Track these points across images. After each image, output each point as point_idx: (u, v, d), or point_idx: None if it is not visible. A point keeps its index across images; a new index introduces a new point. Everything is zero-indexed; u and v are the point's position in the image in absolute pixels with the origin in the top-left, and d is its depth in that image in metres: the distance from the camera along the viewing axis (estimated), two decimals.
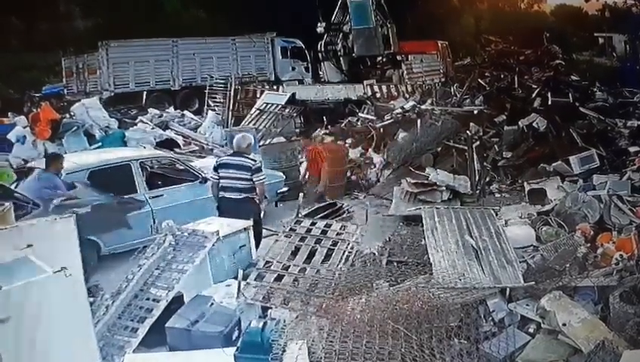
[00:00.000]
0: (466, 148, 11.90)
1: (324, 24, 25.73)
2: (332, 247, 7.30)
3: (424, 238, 7.45)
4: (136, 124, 16.62)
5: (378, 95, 20.83)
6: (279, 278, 6.63)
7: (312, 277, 6.60)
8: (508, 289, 6.36)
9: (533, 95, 14.97)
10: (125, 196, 8.79)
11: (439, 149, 12.73)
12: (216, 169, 8.18)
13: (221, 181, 8.06)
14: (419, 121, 13.82)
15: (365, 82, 22.39)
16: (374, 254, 7.45)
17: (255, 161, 8.13)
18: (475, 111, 14.31)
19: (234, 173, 7.98)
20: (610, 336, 5.35)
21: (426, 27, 32.56)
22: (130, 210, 8.54)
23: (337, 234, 7.66)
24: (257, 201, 8.13)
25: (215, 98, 20.51)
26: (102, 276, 7.63)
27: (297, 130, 17.93)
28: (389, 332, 5.15)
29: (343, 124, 17.26)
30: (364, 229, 8.04)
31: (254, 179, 7.92)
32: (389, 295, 5.88)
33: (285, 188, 10.98)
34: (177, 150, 14.49)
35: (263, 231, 8.66)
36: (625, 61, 24.41)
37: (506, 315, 6.15)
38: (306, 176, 11.63)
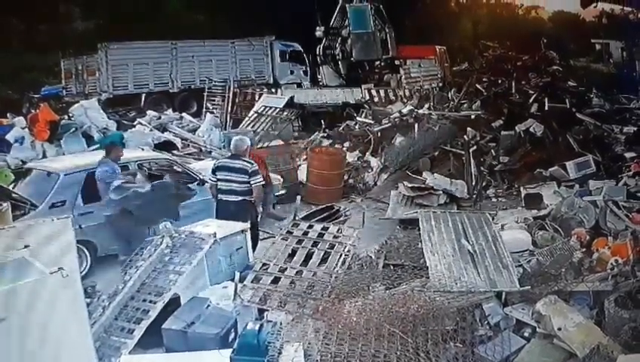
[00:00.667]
0: (463, 152, 11.94)
1: (322, 28, 25.81)
2: (329, 250, 7.32)
3: (421, 242, 7.46)
4: (134, 126, 16.62)
5: (376, 99, 20.84)
6: (276, 281, 6.65)
7: (308, 280, 6.61)
8: (504, 293, 6.38)
9: (531, 100, 15.01)
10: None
11: (436, 153, 12.76)
12: (214, 171, 8.25)
13: (219, 183, 8.11)
14: (416, 125, 13.85)
15: (363, 86, 22.41)
16: (371, 257, 7.47)
17: (252, 163, 8.15)
18: (473, 116, 14.35)
19: (231, 176, 8.04)
20: (605, 341, 5.38)
21: (424, 32, 32.59)
22: (185, 198, 8.74)
23: (334, 237, 7.68)
24: (254, 204, 8.16)
25: (214, 100, 20.52)
26: (99, 277, 7.63)
27: (295, 134, 17.95)
28: (385, 335, 5.17)
29: (341, 128, 17.28)
30: (361, 232, 8.05)
31: (251, 182, 7.97)
32: (385, 298, 5.90)
33: (283, 191, 10.99)
34: (175, 152, 14.48)
35: (260, 233, 8.69)
36: (621, 67, 24.48)
37: (502, 319, 6.16)
38: None
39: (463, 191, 10.96)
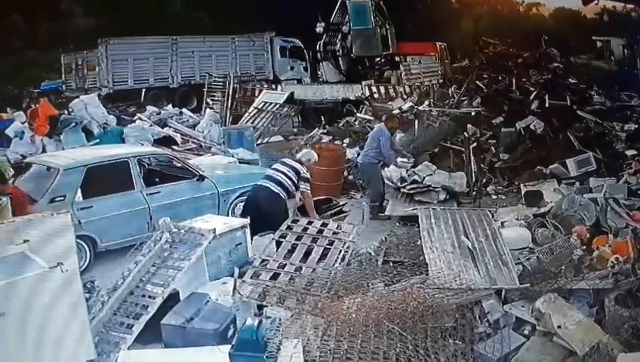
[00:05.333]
0: (463, 149, 11.91)
1: (323, 24, 25.81)
2: (328, 246, 7.30)
3: (420, 239, 7.45)
4: (134, 121, 16.61)
5: (376, 95, 20.85)
6: (275, 276, 6.64)
7: (307, 276, 6.60)
8: (503, 290, 6.37)
9: (531, 97, 14.92)
10: None
11: (436, 150, 12.73)
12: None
13: (268, 171, 8.60)
14: (416, 121, 13.82)
15: (363, 82, 22.42)
16: (370, 254, 7.44)
17: (307, 171, 8.58)
18: (473, 113, 14.29)
19: (281, 168, 8.46)
20: (605, 339, 5.37)
21: (424, 29, 32.57)
22: None
23: (334, 233, 7.66)
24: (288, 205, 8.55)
25: (213, 96, 20.54)
26: (98, 272, 7.62)
27: (295, 130, 17.95)
28: (384, 332, 5.17)
29: (341, 124, 17.27)
30: (361, 229, 8.03)
31: (301, 186, 8.40)
32: (384, 294, 5.89)
33: None
34: (175, 147, 14.49)
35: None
36: (623, 65, 24.39)
37: (501, 317, 6.14)
38: None
39: (462, 183, 10.91)
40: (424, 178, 10.64)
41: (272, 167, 8.69)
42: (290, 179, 8.34)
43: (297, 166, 8.52)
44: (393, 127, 10.69)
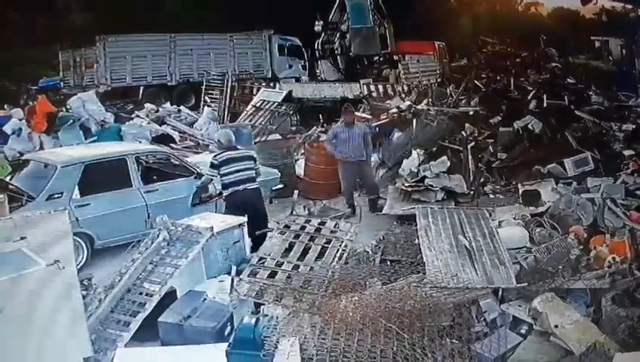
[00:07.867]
0: (461, 148, 11.91)
1: (321, 23, 25.78)
2: (326, 245, 7.31)
3: (418, 238, 7.45)
4: (132, 119, 16.60)
5: (374, 94, 20.81)
6: (272, 275, 6.65)
7: (305, 275, 6.61)
8: (500, 289, 6.38)
9: (529, 97, 14.92)
10: None
11: (434, 149, 12.72)
12: (218, 166, 8.21)
13: (226, 178, 8.15)
14: (414, 120, 13.80)
15: (362, 81, 22.36)
16: (368, 252, 7.46)
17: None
18: (471, 112, 14.27)
19: (241, 165, 8.19)
20: (601, 339, 5.38)
21: (423, 28, 32.54)
22: None
23: (331, 231, 7.67)
24: None
25: (211, 94, 20.51)
26: (95, 269, 7.62)
27: (293, 128, 17.93)
28: (381, 331, 5.17)
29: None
30: (358, 227, 8.04)
31: (256, 168, 8.30)
32: (381, 293, 5.89)
33: (280, 185, 10.97)
34: (173, 145, 14.48)
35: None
36: (621, 65, 24.41)
37: (498, 316, 6.15)
38: None
39: (462, 186, 10.92)
40: (437, 174, 10.67)
41: (225, 171, 8.13)
42: (253, 169, 8.26)
43: (247, 152, 8.53)
44: (348, 121, 10.93)
